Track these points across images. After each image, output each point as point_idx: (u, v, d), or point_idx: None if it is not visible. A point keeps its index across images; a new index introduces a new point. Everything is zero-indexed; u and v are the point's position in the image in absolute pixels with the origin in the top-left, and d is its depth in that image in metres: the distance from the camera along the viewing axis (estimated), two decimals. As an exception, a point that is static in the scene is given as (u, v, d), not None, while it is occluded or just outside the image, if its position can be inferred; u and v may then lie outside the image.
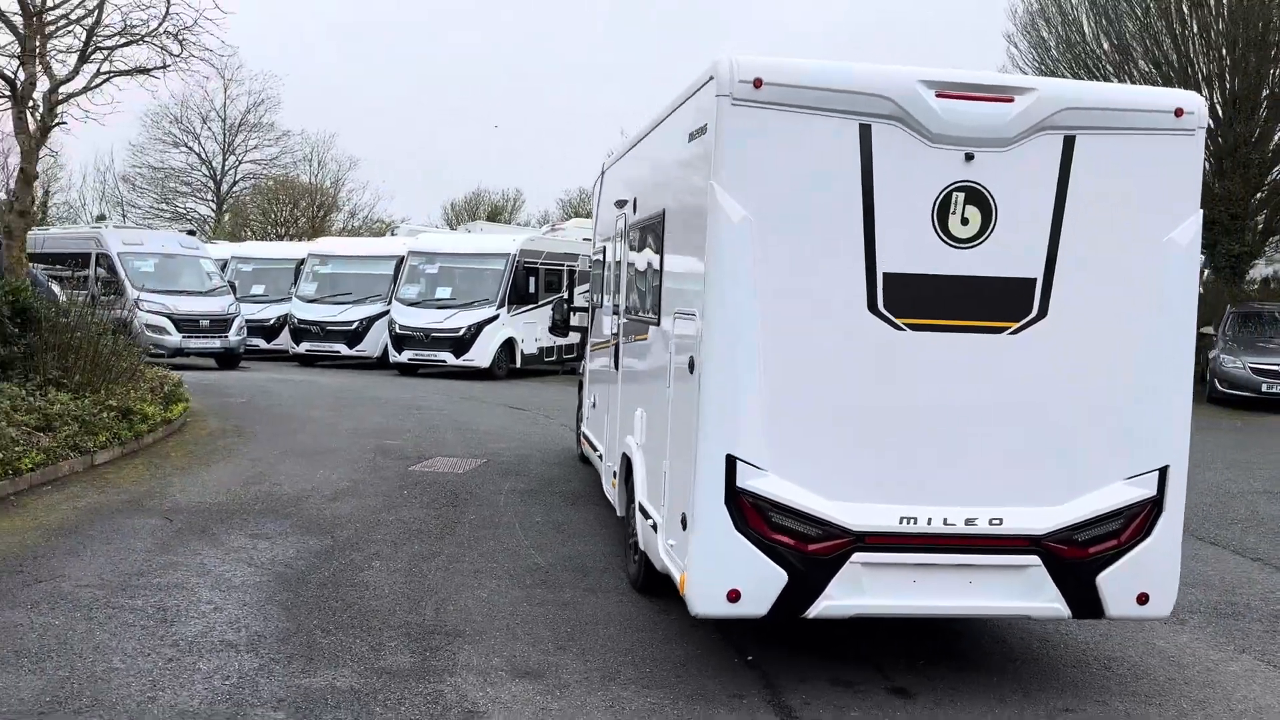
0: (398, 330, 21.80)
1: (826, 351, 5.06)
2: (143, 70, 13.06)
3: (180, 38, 12.85)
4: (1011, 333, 5.14)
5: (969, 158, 5.04)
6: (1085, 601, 5.27)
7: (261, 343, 25.27)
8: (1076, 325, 5.17)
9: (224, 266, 27.20)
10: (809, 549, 5.04)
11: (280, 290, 25.74)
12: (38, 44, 12.43)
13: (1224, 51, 22.62)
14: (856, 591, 5.11)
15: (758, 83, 4.91)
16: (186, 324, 21.20)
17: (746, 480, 4.99)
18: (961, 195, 5.06)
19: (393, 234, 33.21)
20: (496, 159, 74.18)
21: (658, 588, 6.42)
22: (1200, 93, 23.15)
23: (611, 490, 7.98)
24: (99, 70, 12.93)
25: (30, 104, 12.56)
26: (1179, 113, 5.18)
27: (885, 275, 5.05)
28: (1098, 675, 5.83)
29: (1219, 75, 22.93)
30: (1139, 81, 23.79)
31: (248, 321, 24.23)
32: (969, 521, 5.13)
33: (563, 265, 22.67)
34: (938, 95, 4.99)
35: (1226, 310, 21.19)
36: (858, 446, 5.11)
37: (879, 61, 5.14)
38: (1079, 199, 5.12)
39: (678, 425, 5.54)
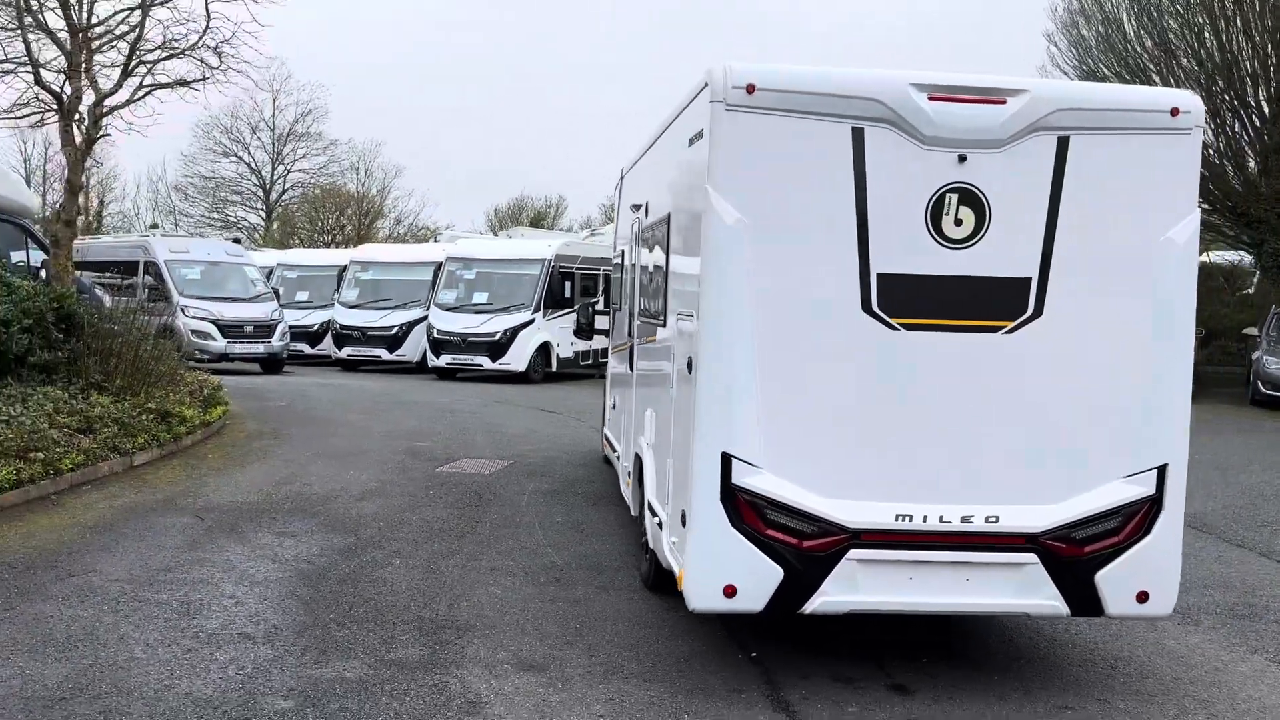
0: (435, 335, 22.12)
1: (822, 351, 5.14)
2: (183, 83, 13.45)
3: (219, 50, 13.21)
4: (1007, 332, 5.18)
5: (962, 159, 5.10)
6: (1084, 600, 5.30)
7: (306, 348, 25.77)
8: (1073, 324, 5.20)
9: (270, 274, 27.80)
10: (804, 546, 5.12)
11: (324, 296, 26.23)
12: (84, 59, 12.84)
13: (1269, 49, 22.25)
14: (852, 588, 5.18)
15: (750, 88, 5.01)
16: (231, 329, 21.67)
17: (742, 478, 5.08)
18: (955, 196, 5.11)
19: (435, 240, 33.67)
20: (538, 164, 74.69)
21: (667, 585, 6.51)
22: (1246, 91, 22.91)
23: (627, 490, 8.10)
24: (141, 83, 13.33)
25: (76, 117, 12.97)
26: (1175, 112, 5.20)
27: (879, 276, 5.12)
28: (1103, 674, 5.84)
29: (1264, 72, 22.55)
30: (1182, 81, 23.48)
31: (292, 327, 24.74)
32: (965, 519, 5.18)
33: (598, 270, 22.85)
34: (930, 98, 5.06)
35: (1271, 311, 20.84)
36: (853, 445, 5.18)
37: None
38: (1074, 199, 5.16)
39: (679, 425, 5.64)
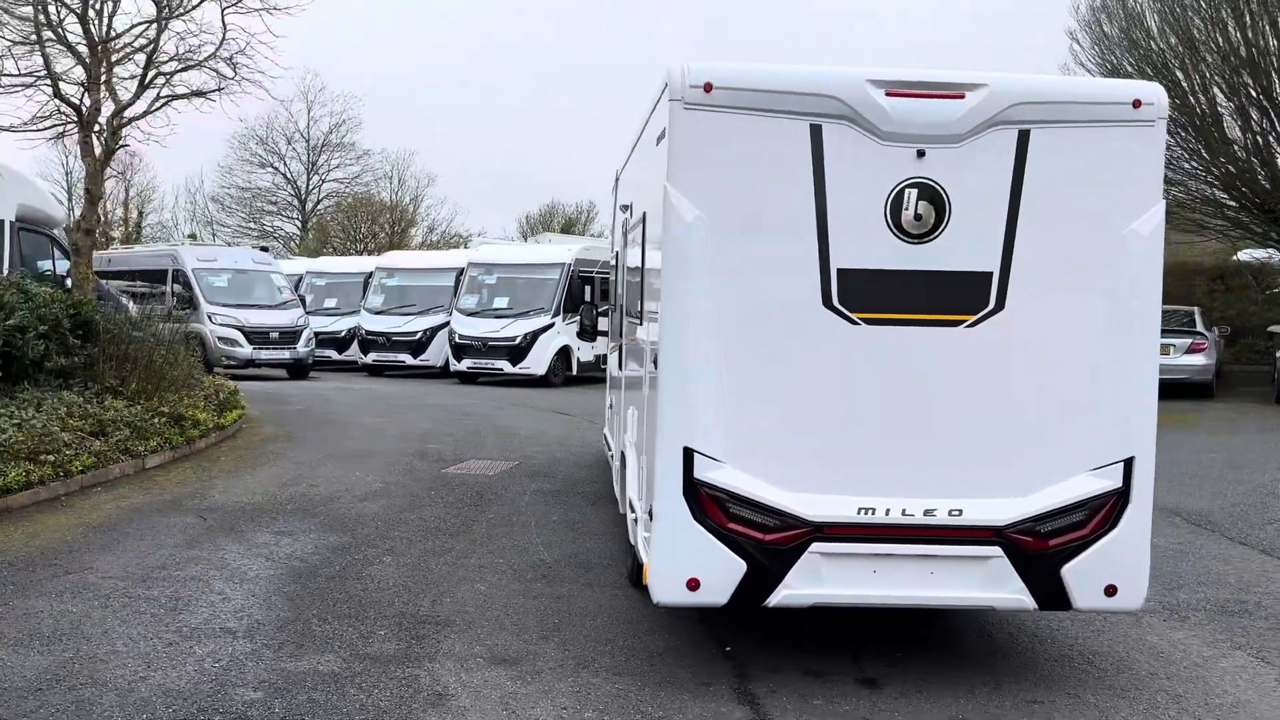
0: (457, 340, 22.35)
1: (783, 346, 5.18)
2: (199, 94, 13.73)
3: (233, 62, 13.48)
4: (968, 326, 5.19)
5: (921, 154, 5.12)
6: (1051, 593, 5.29)
7: (333, 354, 26.14)
8: (1036, 317, 5.21)
9: (299, 281, 28.21)
10: (767, 539, 5.16)
11: (351, 303, 26.59)
12: (103, 72, 13.14)
13: (1297, 41, 21.91)
14: (816, 581, 5.21)
15: (708, 87, 5.06)
16: (257, 336, 22.03)
17: (704, 472, 5.13)
18: (914, 191, 5.14)
19: (466, 247, 33.96)
20: (569, 170, 75.02)
21: (648, 581, 6.57)
22: (1274, 85, 22.55)
23: (618, 488, 8.17)
24: (158, 95, 13.62)
25: (96, 129, 13.28)
26: (1137, 104, 5.19)
27: (839, 271, 5.15)
28: (1079, 669, 5.81)
29: (1292, 66, 22.18)
30: (1208, 76, 23.20)
31: (321, 334, 25.13)
32: (928, 512, 5.20)
33: (618, 273, 22.92)
34: (887, 94, 5.09)
35: (1297, 308, 20.52)
36: (815, 439, 5.21)
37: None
38: (1035, 192, 5.16)
39: (649, 421, 5.71)
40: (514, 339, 21.74)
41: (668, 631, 6.17)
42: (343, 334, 26.22)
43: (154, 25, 13.34)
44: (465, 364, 22.28)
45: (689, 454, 5.13)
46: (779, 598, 5.22)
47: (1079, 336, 5.23)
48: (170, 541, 7.85)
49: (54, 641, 5.62)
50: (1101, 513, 5.25)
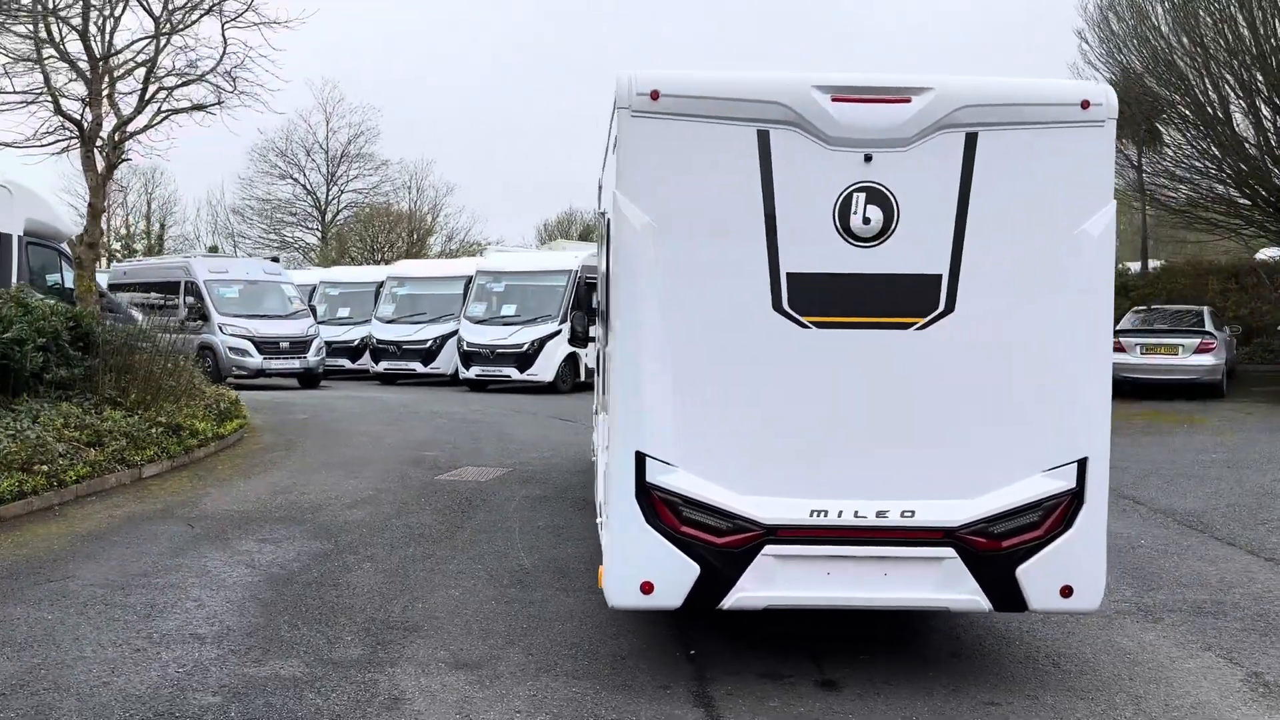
0: (465, 347, 22.48)
1: (734, 351, 5.22)
2: (199, 107, 13.93)
3: (233, 76, 13.67)
4: (918, 328, 5.21)
5: (868, 159, 5.15)
6: (1006, 594, 5.29)
7: (347, 363, 26.35)
8: (987, 319, 5.22)
9: (313, 291, 28.48)
10: (720, 542, 5.19)
11: (364, 312, 26.80)
12: (104, 87, 13.35)
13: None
14: (769, 583, 5.24)
15: (655, 95, 5.12)
16: (267, 346, 22.24)
17: (656, 476, 5.17)
18: (862, 195, 5.16)
19: (482, 255, 34.14)
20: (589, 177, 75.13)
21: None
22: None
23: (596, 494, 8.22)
24: (159, 109, 13.83)
25: (98, 144, 13.48)
26: (1086, 105, 5.20)
27: (789, 275, 5.19)
28: (1042, 670, 5.80)
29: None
30: (1218, 74, 23.02)
31: (334, 343, 25.36)
32: (880, 514, 5.21)
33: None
34: (833, 99, 5.12)
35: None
36: (767, 442, 5.24)
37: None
38: (984, 195, 5.18)
39: (606, 425, 5.76)
40: (521, 346, 21.84)
41: (635, 635, 6.21)
42: (355, 343, 26.41)
43: (156, 40, 13.52)
44: (474, 371, 22.41)
45: (640, 458, 5.18)
46: (733, 600, 5.25)
47: (1030, 338, 5.23)
48: (155, 550, 7.96)
49: (25, 648, 5.72)
50: (1055, 514, 5.25)
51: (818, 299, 5.19)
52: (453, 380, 23.94)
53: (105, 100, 13.35)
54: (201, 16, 13.68)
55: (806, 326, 5.20)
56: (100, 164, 13.49)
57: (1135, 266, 28.46)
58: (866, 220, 5.17)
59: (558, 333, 21.89)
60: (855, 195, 5.16)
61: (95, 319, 12.39)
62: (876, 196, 5.16)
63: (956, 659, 5.99)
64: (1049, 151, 5.21)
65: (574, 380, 22.33)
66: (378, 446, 13.19)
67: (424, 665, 5.64)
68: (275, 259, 28.05)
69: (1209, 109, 23.50)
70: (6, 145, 12.62)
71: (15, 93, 12.34)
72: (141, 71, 13.67)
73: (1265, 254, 28.12)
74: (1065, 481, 5.25)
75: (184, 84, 13.92)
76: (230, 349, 21.84)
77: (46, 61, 12.79)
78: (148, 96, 13.75)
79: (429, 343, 24.33)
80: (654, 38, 75.42)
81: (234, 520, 8.97)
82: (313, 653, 5.78)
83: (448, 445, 13.37)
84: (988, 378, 5.24)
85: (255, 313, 22.76)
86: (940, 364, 5.22)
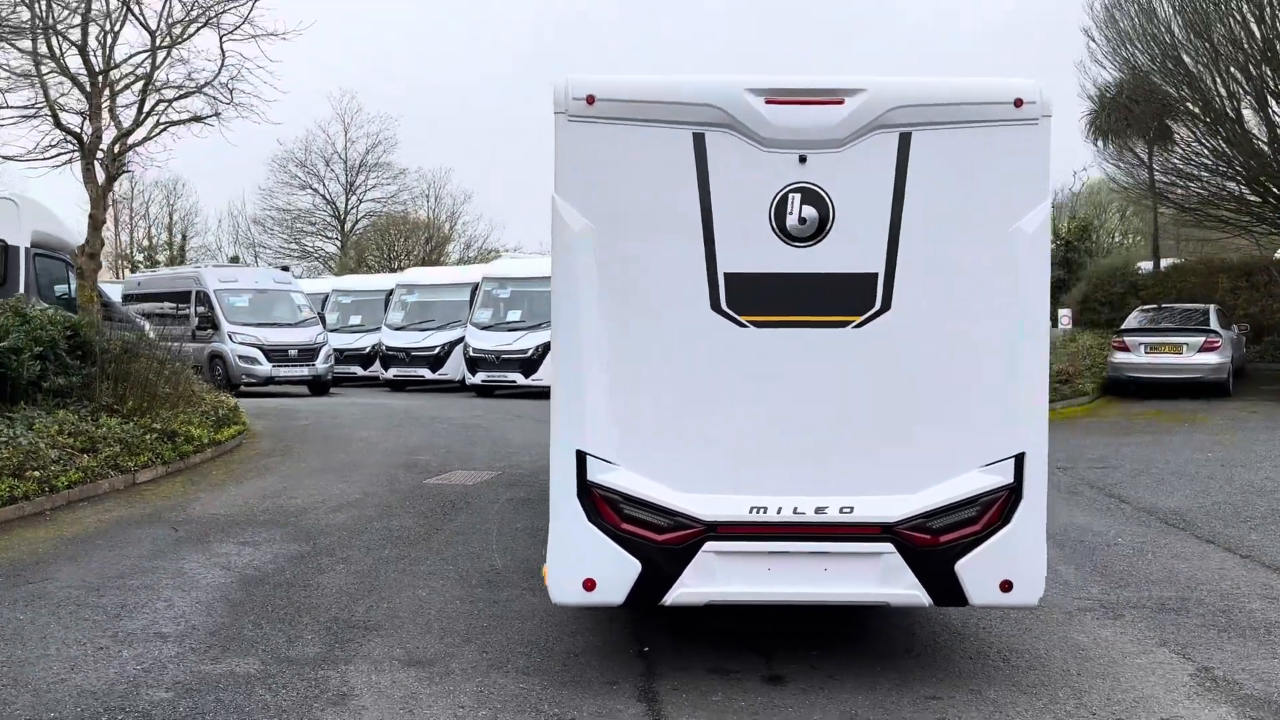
0: (472, 353, 22.66)
1: (673, 351, 5.30)
2: (197, 119, 14.18)
3: (230, 87, 13.89)
4: (855, 326, 5.27)
5: (803, 160, 5.21)
6: (946, 589, 5.33)
7: (358, 370, 26.65)
8: (923, 316, 5.26)
9: (326, 299, 28.78)
10: (660, 539, 5.27)
11: (375, 320, 27.08)
12: (104, 101, 13.61)
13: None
14: (710, 580, 5.30)
15: (590, 99, 5.21)
16: (276, 354, 22.51)
17: (597, 475, 5.26)
18: (798, 196, 5.23)
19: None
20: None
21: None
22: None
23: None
24: (158, 121, 14.07)
25: (99, 156, 13.74)
26: (1019, 103, 5.23)
27: (726, 275, 5.26)
28: (991, 666, 5.83)
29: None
30: (1224, 67, 22.87)
31: (345, 350, 25.63)
32: (819, 510, 5.27)
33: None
34: (767, 101, 5.19)
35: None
36: (707, 441, 5.31)
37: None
38: (919, 194, 5.23)
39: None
40: (526, 351, 22.00)
41: (592, 633, 6.29)
42: (367, 350, 26.70)
43: (152, 54, 13.77)
44: (480, 377, 22.58)
45: (581, 457, 5.26)
46: (674, 596, 5.32)
47: (967, 335, 5.28)
48: (136, 552, 8.12)
49: (-9, 647, 5.88)
50: (993, 509, 5.29)
51: (755, 299, 5.26)
52: (461, 386, 24.13)
53: (106, 113, 13.59)
54: (199, 30, 13.91)
55: (745, 326, 5.27)
56: (101, 176, 13.74)
57: (1147, 266, 28.27)
58: (802, 220, 5.23)
59: (562, 338, 21.97)
60: (791, 196, 5.23)
61: (94, 328, 12.62)
62: (812, 197, 5.23)
63: (909, 654, 6.02)
64: (983, 150, 5.25)
65: (580, 385, 22.38)
66: (372, 451, 13.35)
67: (378, 663, 5.75)
68: (285, 268, 28.39)
69: (1217, 105, 23.35)
70: (8, 159, 12.89)
71: (15, 108, 12.60)
72: (140, 85, 13.91)
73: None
74: (1003, 477, 5.28)
75: (182, 96, 14.19)
76: (240, 357, 22.13)
77: (46, 76, 13.05)
78: (146, 109, 13.99)
79: (437, 349, 24.55)
80: (690, 45, 75.55)
81: (218, 524, 9.13)
82: (271, 651, 5.89)
83: (441, 450, 13.51)
84: (925, 375, 5.29)
85: (264, 321, 23.04)
86: (877, 361, 5.28)
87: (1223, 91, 23.38)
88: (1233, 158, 24.03)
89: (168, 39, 14.09)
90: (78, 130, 13.57)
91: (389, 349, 25.26)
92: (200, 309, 22.95)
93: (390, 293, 27.08)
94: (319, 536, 8.65)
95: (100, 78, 13.45)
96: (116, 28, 13.89)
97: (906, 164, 5.23)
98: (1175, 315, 20.02)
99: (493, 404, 20.76)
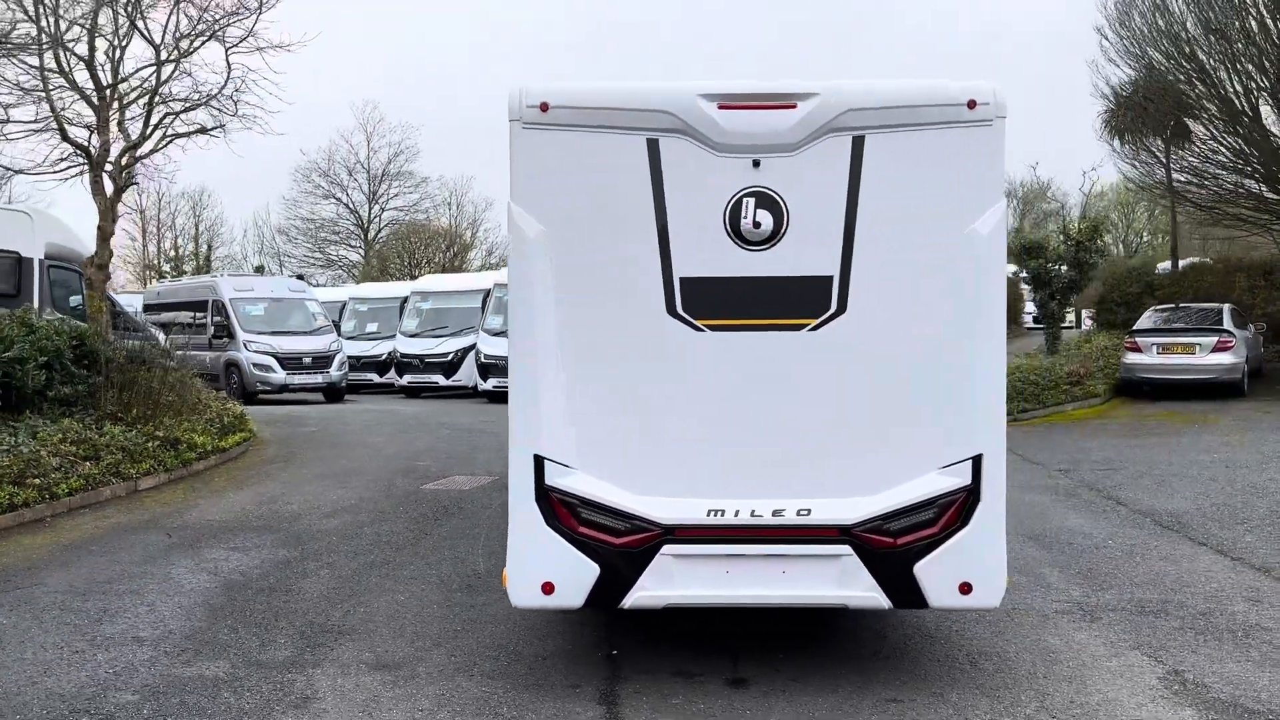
0: (483, 360, 22.80)
1: (630, 355, 5.33)
2: (202, 130, 14.38)
3: (235, 98, 14.08)
4: (811, 329, 5.28)
5: (756, 164, 5.24)
6: (904, 591, 5.32)
7: (374, 377, 26.86)
8: (879, 319, 5.27)
9: (343, 307, 29.05)
10: (619, 543, 5.30)
11: (392, 327, 27.31)
12: (113, 114, 13.83)
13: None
14: (668, 583, 5.33)
15: (544, 107, 5.26)
16: (290, 362, 22.74)
17: (555, 479, 5.30)
18: (752, 200, 5.25)
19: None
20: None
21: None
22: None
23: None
24: (165, 133, 14.29)
25: (107, 168, 13.97)
26: (972, 105, 5.24)
27: (682, 280, 5.29)
28: (958, 669, 5.81)
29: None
30: (1238, 65, 22.63)
31: (362, 358, 25.84)
32: (776, 513, 5.28)
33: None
34: (720, 107, 5.22)
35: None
36: (664, 445, 5.34)
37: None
38: (873, 197, 5.24)
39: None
40: (537, 357, 22.05)
41: (562, 636, 6.33)
42: (383, 357, 26.90)
43: (158, 68, 13.99)
44: (491, 383, 22.69)
45: (539, 461, 5.31)
46: (633, 599, 5.34)
47: (923, 337, 5.28)
48: (127, 558, 8.24)
49: (-31, 651, 6.00)
50: (951, 510, 5.28)
51: (711, 302, 5.29)
52: (474, 392, 24.25)
53: (114, 126, 13.81)
54: (204, 43, 14.11)
55: (700, 330, 5.30)
56: (109, 188, 13.96)
57: (1167, 266, 27.98)
58: (757, 224, 5.25)
59: (573, 343, 22.05)
60: (745, 200, 5.25)
61: (100, 337, 12.81)
62: (766, 201, 5.25)
63: (876, 657, 6.02)
64: (936, 152, 5.25)
65: (591, 390, 22.45)
66: (374, 457, 13.46)
67: (345, 666, 5.81)
68: (300, 276, 28.67)
69: (1235, 103, 23.10)
70: (18, 172, 13.13)
71: (23, 122, 12.83)
72: (146, 98, 14.13)
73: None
74: (960, 479, 5.27)
75: (189, 109, 14.39)
76: (255, 365, 22.38)
77: (54, 91, 13.30)
78: (153, 121, 14.22)
79: (450, 355, 24.71)
80: (707, 53, 75.61)
81: (212, 530, 9.25)
82: (242, 655, 5.98)
83: (443, 455, 13.61)
84: (881, 377, 5.30)
85: (279, 329, 23.29)
86: (834, 364, 5.29)
87: (1239, 89, 23.14)
88: (1250, 155, 23.76)
89: (174, 53, 14.31)
90: (85, 143, 13.79)
91: (403, 356, 25.45)
92: (216, 318, 23.24)
93: (405, 300, 27.29)
94: (309, 541, 8.74)
95: (108, 91, 13.68)
96: (123, 42, 14.13)
97: (860, 167, 5.24)
98: (1188, 315, 19.81)
99: (503, 410, 20.73)
